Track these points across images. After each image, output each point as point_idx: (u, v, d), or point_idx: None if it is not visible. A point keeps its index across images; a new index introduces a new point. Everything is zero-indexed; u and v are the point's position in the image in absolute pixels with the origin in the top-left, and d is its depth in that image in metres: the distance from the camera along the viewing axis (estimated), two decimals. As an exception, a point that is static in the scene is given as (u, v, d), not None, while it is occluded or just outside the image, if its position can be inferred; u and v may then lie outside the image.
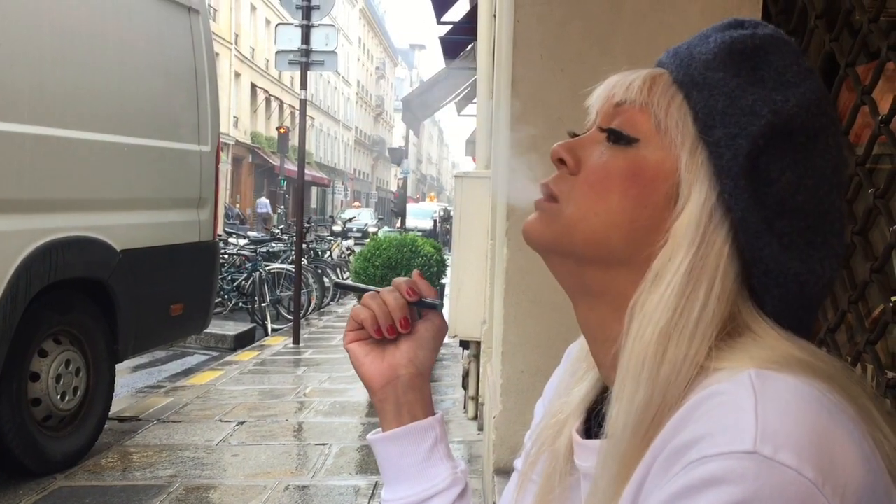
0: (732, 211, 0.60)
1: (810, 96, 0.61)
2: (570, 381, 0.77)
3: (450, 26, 9.98)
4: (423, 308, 0.82)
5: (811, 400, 0.53)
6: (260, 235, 12.25)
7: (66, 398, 3.87)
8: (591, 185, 0.65)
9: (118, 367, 4.39)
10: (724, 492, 0.48)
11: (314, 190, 41.53)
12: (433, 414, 0.82)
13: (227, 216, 19.67)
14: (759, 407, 0.51)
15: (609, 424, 0.61)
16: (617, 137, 0.65)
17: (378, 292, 0.81)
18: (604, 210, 0.64)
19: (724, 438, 0.50)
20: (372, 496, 3.56)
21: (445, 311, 1.00)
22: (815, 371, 0.56)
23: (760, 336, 0.60)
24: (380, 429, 0.83)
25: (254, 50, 35.01)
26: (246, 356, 7.04)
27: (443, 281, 6.55)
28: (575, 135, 0.69)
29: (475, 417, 4.65)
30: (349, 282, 1.15)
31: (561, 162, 0.67)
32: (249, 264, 9.49)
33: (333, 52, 7.85)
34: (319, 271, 10.14)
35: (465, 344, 4.82)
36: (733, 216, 0.61)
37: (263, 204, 30.11)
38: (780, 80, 0.61)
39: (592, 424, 0.70)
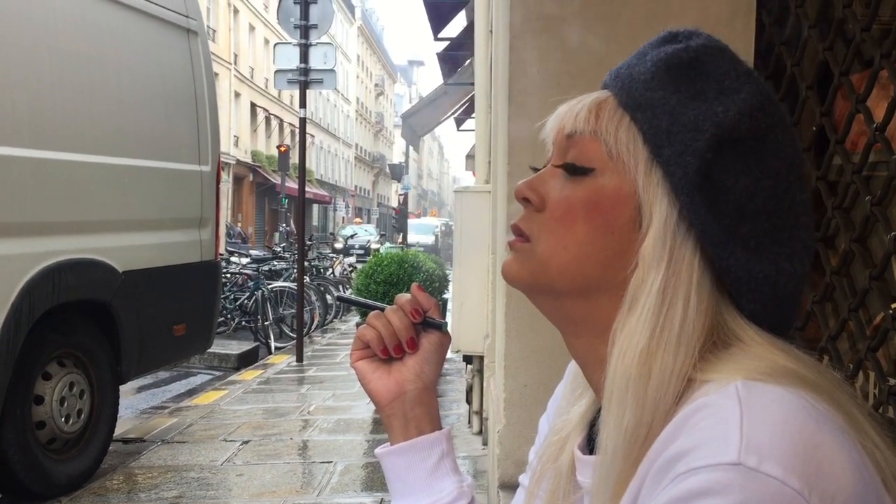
0: (694, 225, 0.61)
1: (752, 100, 0.61)
2: (570, 397, 0.78)
3: (447, 42, 10.05)
4: (428, 328, 0.83)
5: (798, 410, 0.53)
6: (262, 254, 12.28)
7: (71, 421, 3.87)
8: (556, 220, 0.66)
9: (122, 388, 4.39)
10: (710, 503, 0.49)
11: (315, 207, 41.60)
12: (440, 428, 0.83)
13: (228, 235, 19.70)
14: (744, 418, 0.52)
15: (600, 448, 0.62)
16: (572, 170, 0.66)
17: (383, 311, 0.82)
18: (572, 242, 0.65)
19: (710, 450, 0.51)
20: (378, 513, 3.54)
21: (448, 326, 1.00)
22: (802, 380, 0.57)
23: (748, 345, 0.60)
24: (388, 443, 0.83)
25: (253, 69, 35.18)
26: (249, 375, 7.03)
27: (445, 296, 6.54)
28: (537, 169, 0.70)
29: (480, 432, 4.64)
30: (352, 296, 1.15)
31: (526, 200, 0.68)
32: (252, 283, 9.50)
33: (332, 70, 7.89)
34: (322, 289, 10.15)
35: (468, 358, 4.81)
36: (696, 230, 0.61)
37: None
38: (720, 88, 0.61)
39: (594, 439, 0.71)
